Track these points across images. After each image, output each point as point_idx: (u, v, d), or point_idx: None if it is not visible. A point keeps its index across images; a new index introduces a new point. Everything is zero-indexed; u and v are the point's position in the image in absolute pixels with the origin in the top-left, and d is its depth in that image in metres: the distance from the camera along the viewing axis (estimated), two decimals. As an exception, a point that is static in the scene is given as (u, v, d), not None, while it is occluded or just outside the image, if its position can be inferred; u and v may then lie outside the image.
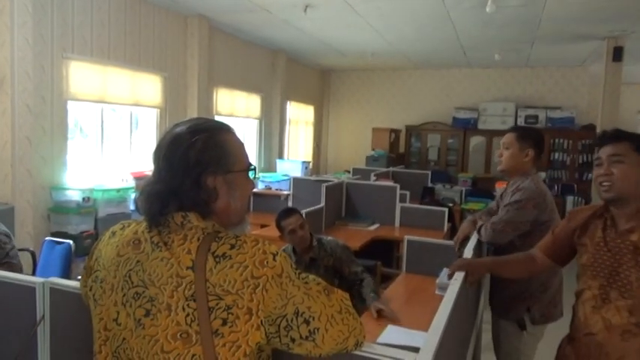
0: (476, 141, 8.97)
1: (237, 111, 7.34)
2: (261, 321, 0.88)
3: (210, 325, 0.86)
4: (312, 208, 4.00)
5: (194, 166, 0.97)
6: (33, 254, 3.08)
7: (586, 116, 8.17)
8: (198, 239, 0.92)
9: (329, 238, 2.81)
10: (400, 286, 2.88)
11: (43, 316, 1.27)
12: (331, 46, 7.54)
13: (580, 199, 7.71)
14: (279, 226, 2.73)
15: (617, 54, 6.25)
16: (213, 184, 0.98)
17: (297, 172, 7.24)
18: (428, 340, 1.15)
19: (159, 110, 5.67)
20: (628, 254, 1.53)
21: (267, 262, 0.91)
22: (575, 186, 8.05)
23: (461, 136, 8.96)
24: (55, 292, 1.27)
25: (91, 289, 1.00)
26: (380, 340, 1.94)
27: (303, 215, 2.86)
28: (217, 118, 6.74)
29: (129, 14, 5.15)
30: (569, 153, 8.28)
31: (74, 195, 4.28)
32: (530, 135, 2.33)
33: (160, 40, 5.62)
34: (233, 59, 7.11)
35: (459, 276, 1.63)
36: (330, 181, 4.79)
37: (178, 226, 0.94)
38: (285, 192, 5.43)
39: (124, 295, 0.93)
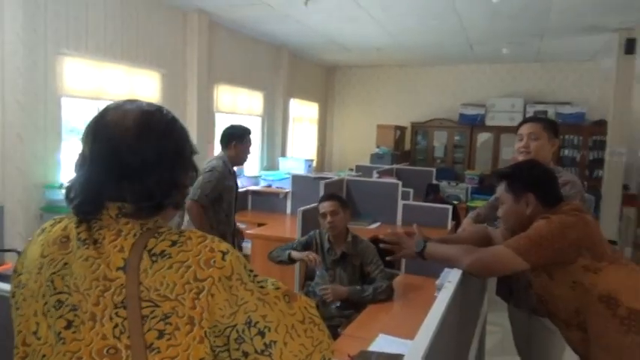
0: (483, 138, 8.76)
1: (239, 108, 7.22)
2: (206, 332, 0.74)
3: (143, 337, 0.72)
4: (310, 206, 3.86)
5: (186, 142, 0.89)
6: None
7: (597, 112, 7.94)
8: (135, 235, 0.78)
9: (365, 238, 2.81)
10: (398, 287, 2.73)
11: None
12: (335, 40, 7.39)
13: (590, 196, 7.49)
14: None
15: (630, 46, 6.02)
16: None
17: (301, 171, 7.13)
18: (413, 347, 1.02)
19: (157, 107, 5.56)
20: None
21: (214, 262, 0.77)
22: (586, 183, 7.83)
23: (468, 132, 8.77)
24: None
25: (13, 296, 0.85)
26: (371, 348, 1.81)
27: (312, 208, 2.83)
28: (218, 115, 6.64)
29: (126, 9, 5.04)
30: (579, 149, 8.06)
31: (68, 193, 4.17)
32: (554, 125, 2.31)
33: (158, 35, 5.51)
34: (234, 55, 6.98)
35: (454, 278, 1.48)
36: (329, 178, 4.65)
37: (112, 220, 0.80)
38: (285, 190, 5.30)
39: (45, 304, 0.78)
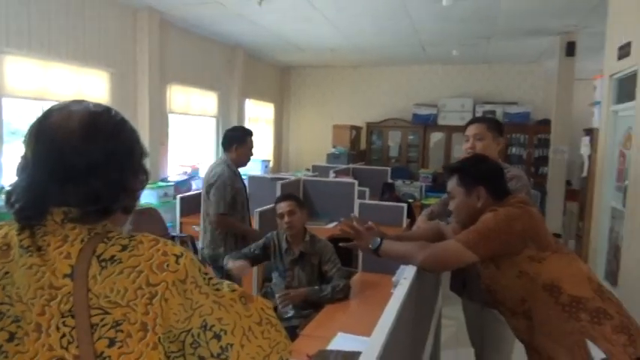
0: (436, 137, 9.00)
1: (193, 109, 7.09)
2: (159, 338, 0.72)
3: (92, 347, 0.69)
4: (267, 207, 3.83)
5: (136, 144, 0.85)
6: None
7: (541, 111, 8.32)
8: (82, 241, 0.75)
9: (323, 237, 2.83)
10: (356, 285, 2.76)
11: None
12: (289, 41, 7.39)
13: (536, 192, 7.83)
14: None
15: (570, 49, 6.36)
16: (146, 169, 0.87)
17: (257, 171, 7.07)
18: (370, 344, 1.04)
19: (106, 108, 5.37)
20: None
21: (167, 266, 0.75)
22: (532, 180, 8.18)
23: (421, 132, 8.98)
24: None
25: None
26: (330, 347, 1.82)
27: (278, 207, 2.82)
28: (171, 116, 6.49)
29: (71, 6, 4.83)
30: (525, 147, 8.41)
31: (10, 199, 3.96)
32: (499, 125, 2.39)
33: (106, 34, 5.32)
34: (187, 55, 6.84)
35: (409, 275, 1.52)
36: (286, 178, 4.65)
37: (58, 226, 0.76)
38: (242, 191, 5.24)
39: None
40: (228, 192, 3.23)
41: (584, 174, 5.60)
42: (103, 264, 0.73)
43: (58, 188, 0.76)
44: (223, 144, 3.43)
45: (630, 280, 3.61)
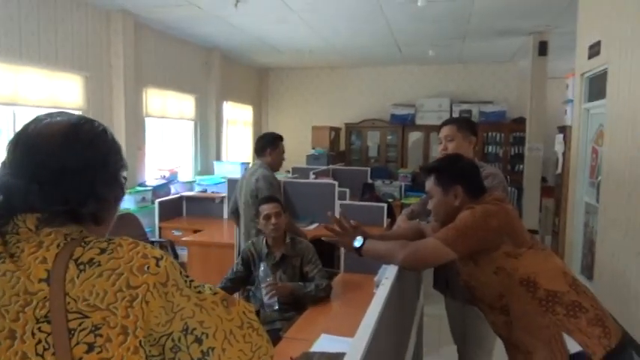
0: (414, 137, 9.09)
1: (170, 112, 7.00)
2: (140, 342, 0.71)
3: (71, 353, 0.68)
4: (247, 210, 3.81)
5: (114, 155, 0.84)
6: None
7: (516, 110, 8.48)
8: (58, 246, 0.74)
9: (302, 239, 2.84)
10: (339, 286, 2.77)
11: None
12: (267, 43, 7.37)
13: (513, 189, 7.97)
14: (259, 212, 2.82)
15: (542, 48, 6.50)
16: (123, 180, 0.87)
17: (237, 174, 7.00)
18: (353, 344, 1.04)
19: (81, 112, 5.27)
20: None
21: (147, 268, 0.74)
22: (509, 177, 8.31)
23: (399, 132, 9.05)
24: None
25: None
26: (313, 349, 1.81)
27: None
28: (148, 119, 6.41)
29: (43, 9, 4.73)
30: (501, 145, 8.56)
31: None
32: (470, 124, 2.45)
33: (79, 37, 5.22)
34: (163, 58, 6.76)
35: (390, 274, 1.53)
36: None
37: (32, 233, 0.75)
38: (222, 194, 5.20)
39: None
40: (278, 190, 3.36)
41: (559, 171, 5.73)
42: (81, 267, 0.72)
43: (28, 188, 0.76)
44: (256, 150, 3.58)
45: (605, 274, 3.70)
